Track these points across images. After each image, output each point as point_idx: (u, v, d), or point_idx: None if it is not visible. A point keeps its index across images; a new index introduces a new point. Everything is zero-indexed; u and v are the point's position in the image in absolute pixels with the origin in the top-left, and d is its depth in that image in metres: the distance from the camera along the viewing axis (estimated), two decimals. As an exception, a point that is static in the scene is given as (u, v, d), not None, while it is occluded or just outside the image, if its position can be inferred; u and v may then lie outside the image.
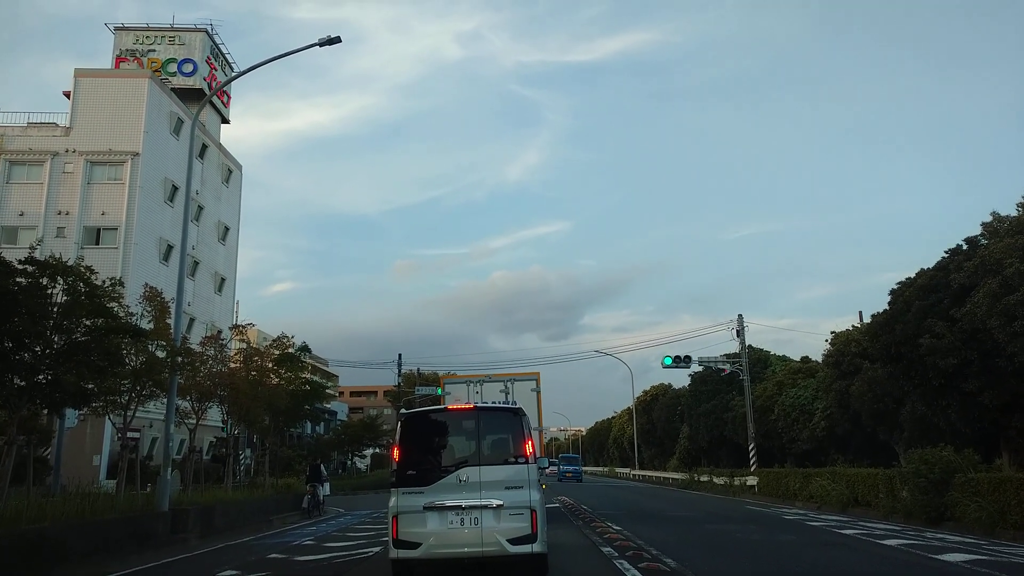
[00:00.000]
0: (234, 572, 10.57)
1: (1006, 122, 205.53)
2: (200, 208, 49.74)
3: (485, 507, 8.89)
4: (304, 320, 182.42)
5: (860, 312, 40.83)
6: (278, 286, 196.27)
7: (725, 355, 36.90)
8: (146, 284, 17.76)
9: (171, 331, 15.74)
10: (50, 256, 12.19)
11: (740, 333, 34.91)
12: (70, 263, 12.11)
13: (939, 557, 11.41)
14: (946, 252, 22.29)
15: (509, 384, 24.97)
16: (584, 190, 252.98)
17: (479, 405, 10.85)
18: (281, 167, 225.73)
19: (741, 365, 35.06)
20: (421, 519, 8.88)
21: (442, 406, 13.57)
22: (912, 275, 23.59)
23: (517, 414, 9.74)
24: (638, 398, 68.70)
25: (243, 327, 21.25)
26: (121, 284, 13.71)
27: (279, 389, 22.00)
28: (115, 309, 13.50)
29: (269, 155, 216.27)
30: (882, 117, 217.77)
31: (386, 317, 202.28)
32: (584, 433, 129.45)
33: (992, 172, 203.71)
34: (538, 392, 25.64)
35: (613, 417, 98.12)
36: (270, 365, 21.62)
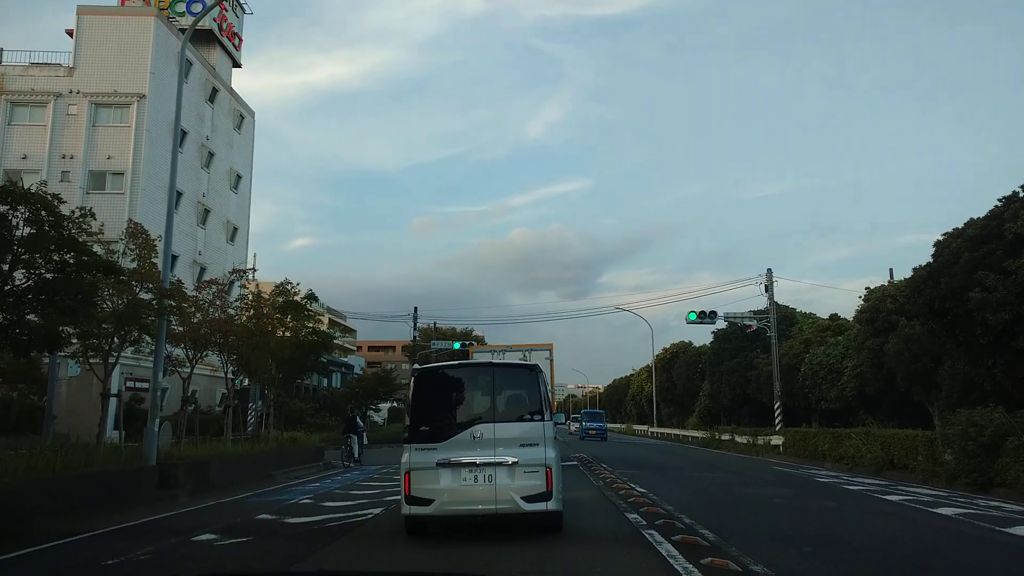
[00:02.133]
0: (212, 536, 9.48)
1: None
2: (211, 155, 48.44)
3: (499, 464, 8.71)
4: (323, 275, 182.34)
5: (891, 269, 39.04)
6: (298, 241, 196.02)
7: (752, 311, 35.37)
8: (130, 220, 16.53)
9: (158, 271, 14.57)
10: (7, 181, 10.93)
11: (768, 288, 33.36)
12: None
13: (1010, 531, 10.08)
14: (999, 200, 20.50)
15: (527, 353, 26.70)
16: (605, 148, 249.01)
17: (494, 361, 10.92)
18: (300, 122, 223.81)
19: (768, 321, 33.56)
20: (434, 476, 8.74)
21: (456, 362, 13.19)
22: (960, 226, 21.86)
23: (533, 371, 9.63)
24: (657, 356, 67.47)
25: (243, 271, 20.04)
26: (92, 216, 12.45)
27: (282, 339, 20.88)
28: (91, 245, 12.28)
29: (287, 110, 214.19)
30: (908, 74, 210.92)
31: (405, 274, 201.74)
32: (601, 391, 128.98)
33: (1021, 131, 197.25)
34: (551, 360, 27.15)
35: (631, 375, 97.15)
36: (273, 313, 20.42)
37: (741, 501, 13.30)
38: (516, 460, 8.74)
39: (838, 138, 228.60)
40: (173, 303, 14.56)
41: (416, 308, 42.96)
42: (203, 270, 44.80)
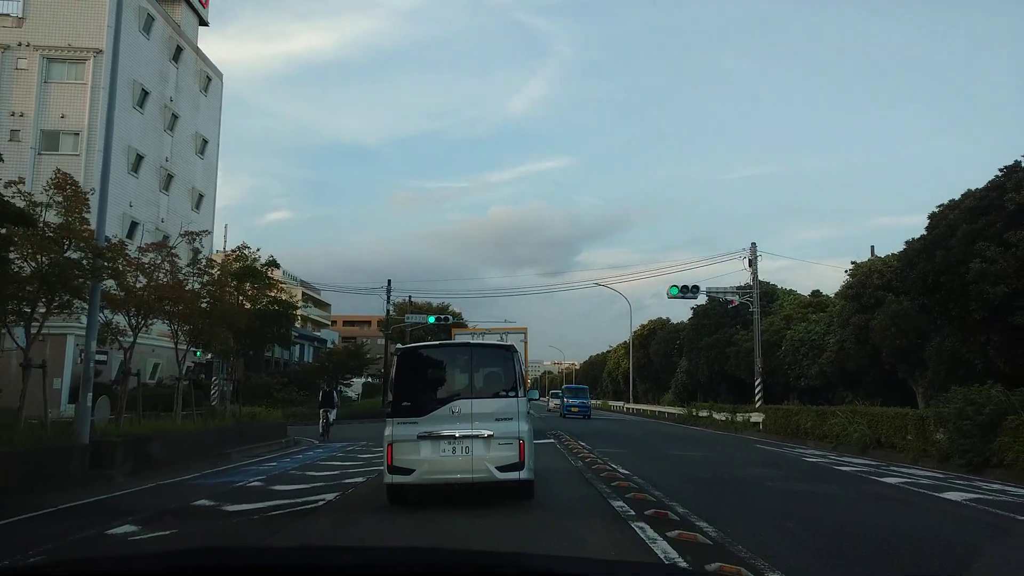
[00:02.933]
0: (132, 528, 8.20)
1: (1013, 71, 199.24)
2: (175, 117, 46.28)
3: (476, 437, 9.28)
4: (300, 249, 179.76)
5: (872, 247, 38.49)
6: (274, 214, 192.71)
7: (735, 287, 34.43)
8: (57, 169, 14.97)
9: (92, 228, 13.11)
10: None
11: (752, 263, 32.37)
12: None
13: (1026, 520, 9.13)
14: (1000, 170, 19.58)
15: (503, 336, 30.42)
16: (588, 126, 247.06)
17: (471, 342, 11.79)
18: (278, 92, 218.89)
19: (751, 297, 32.64)
20: (415, 447, 9.26)
21: (437, 341, 13.83)
22: (956, 197, 20.95)
23: (508, 350, 10.22)
24: (635, 332, 66.69)
25: (196, 233, 18.53)
26: None
27: (239, 307, 19.44)
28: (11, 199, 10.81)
29: (265, 80, 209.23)
30: (886, 62, 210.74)
31: (382, 248, 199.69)
32: (578, 367, 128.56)
33: (997, 120, 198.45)
34: (526, 342, 31.67)
35: (608, 351, 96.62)
36: (227, 279, 18.92)
37: (733, 485, 12.25)
38: (491, 433, 9.32)
39: (815, 122, 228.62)
40: (107, 264, 13.09)
41: (389, 281, 41.55)
42: (166, 238, 42.98)
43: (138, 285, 15.69)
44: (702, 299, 38.94)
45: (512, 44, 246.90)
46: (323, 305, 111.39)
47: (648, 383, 66.71)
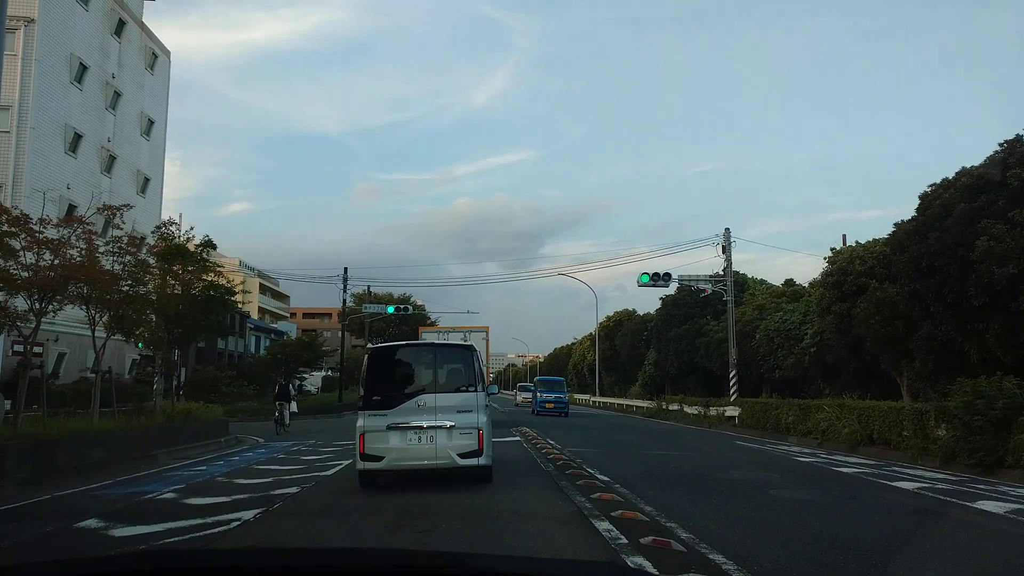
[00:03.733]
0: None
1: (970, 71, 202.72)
2: (117, 95, 43.42)
3: (439, 427, 10.22)
4: (260, 241, 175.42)
5: (844, 235, 37.39)
6: (234, 206, 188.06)
7: (709, 276, 32.96)
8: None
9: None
10: None
11: (726, 249, 30.94)
12: None
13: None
14: (1001, 144, 18.23)
15: (467, 334, 31.11)
16: (551, 119, 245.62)
17: (435, 342, 12.96)
18: (239, 81, 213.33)
19: (725, 285, 31.22)
20: (384, 437, 10.19)
21: (404, 342, 14.65)
22: (950, 176, 19.60)
23: (468, 350, 11.26)
24: (601, 324, 65.28)
25: (117, 208, 16.33)
26: None
27: (164, 292, 17.28)
28: None
29: (226, 69, 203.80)
30: (848, 60, 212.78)
31: (345, 241, 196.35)
32: (542, 360, 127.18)
33: (955, 121, 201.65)
34: (487, 340, 31.68)
35: (573, 343, 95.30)
36: (147, 261, 16.70)
37: (732, 495, 10.48)
38: (453, 424, 10.28)
39: (774, 118, 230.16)
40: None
41: (346, 269, 39.32)
42: (107, 224, 40.26)
43: (41, 263, 13.49)
44: (672, 289, 37.60)
45: (475, 37, 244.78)
46: (282, 297, 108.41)
47: (615, 375, 65.38)
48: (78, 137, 39.12)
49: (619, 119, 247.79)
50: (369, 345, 15.84)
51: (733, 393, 30.11)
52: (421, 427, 10.25)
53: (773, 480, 12.29)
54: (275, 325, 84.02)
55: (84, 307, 16.08)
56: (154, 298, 16.57)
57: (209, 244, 19.34)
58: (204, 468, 14.54)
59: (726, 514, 8.70)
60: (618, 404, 52.20)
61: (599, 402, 57.71)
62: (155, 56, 48.68)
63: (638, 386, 55.88)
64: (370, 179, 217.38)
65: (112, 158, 42.67)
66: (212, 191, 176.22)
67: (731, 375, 30.43)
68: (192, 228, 19.01)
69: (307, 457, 15.99)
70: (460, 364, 11.07)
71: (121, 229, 16.74)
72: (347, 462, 14.59)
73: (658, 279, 30.50)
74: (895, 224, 20.81)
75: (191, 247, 18.82)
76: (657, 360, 47.53)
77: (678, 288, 43.41)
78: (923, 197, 19.95)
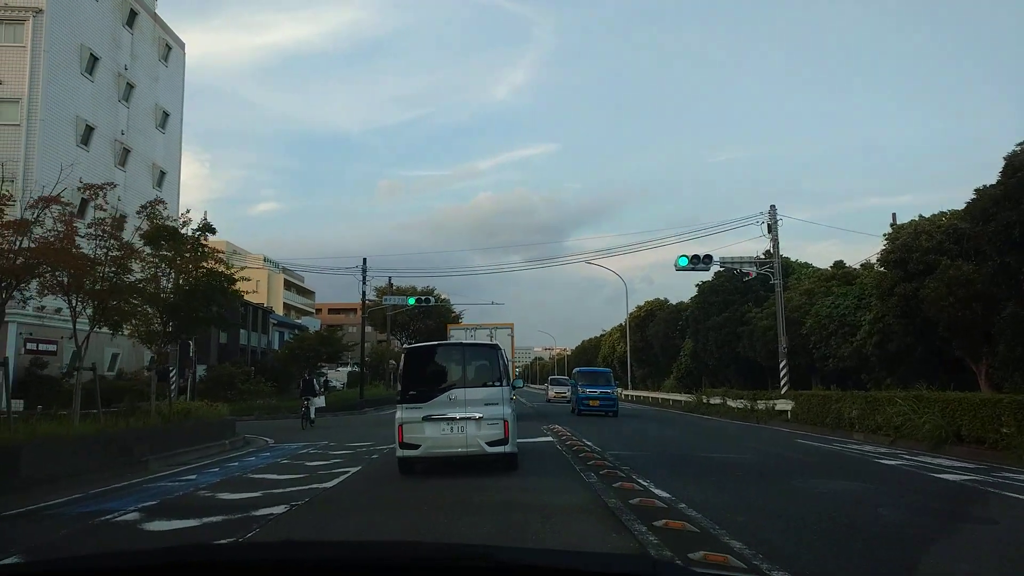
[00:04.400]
0: None
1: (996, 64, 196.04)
2: (130, 86, 42.09)
3: (469, 419, 11.43)
4: (286, 239, 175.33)
5: (894, 214, 34.65)
6: (262, 206, 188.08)
7: (752, 258, 30.53)
8: None
9: None
10: None
11: (772, 228, 28.51)
12: None
13: None
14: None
15: (493, 331, 32.24)
16: (572, 112, 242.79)
17: (464, 342, 15.08)
18: (261, 83, 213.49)
19: (771, 267, 28.81)
20: (420, 427, 11.41)
21: (437, 342, 15.42)
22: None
23: (494, 348, 12.68)
24: (631, 314, 62.82)
25: (98, 187, 14.53)
26: None
27: (152, 279, 15.45)
28: None
29: (251, 71, 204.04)
30: (872, 46, 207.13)
31: (368, 238, 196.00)
32: (570, 353, 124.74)
33: (979, 109, 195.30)
34: (512, 336, 32.42)
35: (602, 335, 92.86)
36: (128, 245, 14.79)
37: (833, 514, 8.30)
38: (481, 415, 11.41)
39: (797, 106, 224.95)
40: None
41: (365, 260, 37.51)
42: (124, 217, 38.87)
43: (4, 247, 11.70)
44: (709, 275, 35.26)
45: (494, 31, 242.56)
46: (307, 293, 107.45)
47: (647, 368, 62.99)
48: (90, 129, 37.82)
49: (640, 110, 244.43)
50: (405, 346, 16.55)
51: (784, 385, 27.73)
52: (453, 418, 11.38)
53: (868, 493, 10.06)
54: (299, 321, 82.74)
55: (65, 297, 14.32)
56: (143, 287, 14.71)
57: (208, 228, 17.50)
58: (194, 477, 12.69)
59: (843, 549, 6.54)
60: (652, 398, 49.84)
61: (632, 396, 55.28)
62: (169, 48, 47.31)
63: (673, 378, 53.47)
64: (391, 176, 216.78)
65: (126, 151, 41.36)
66: (240, 191, 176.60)
67: (781, 365, 28.06)
68: (188, 211, 17.12)
69: (312, 463, 14.09)
70: (487, 361, 12.22)
71: (104, 211, 14.93)
72: (355, 470, 12.66)
73: (698, 262, 28.13)
74: (976, 190, 18.36)
75: (188, 232, 16.98)
76: (694, 351, 45.17)
77: (715, 275, 41.06)
78: (1010, 158, 17.50)
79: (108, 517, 8.58)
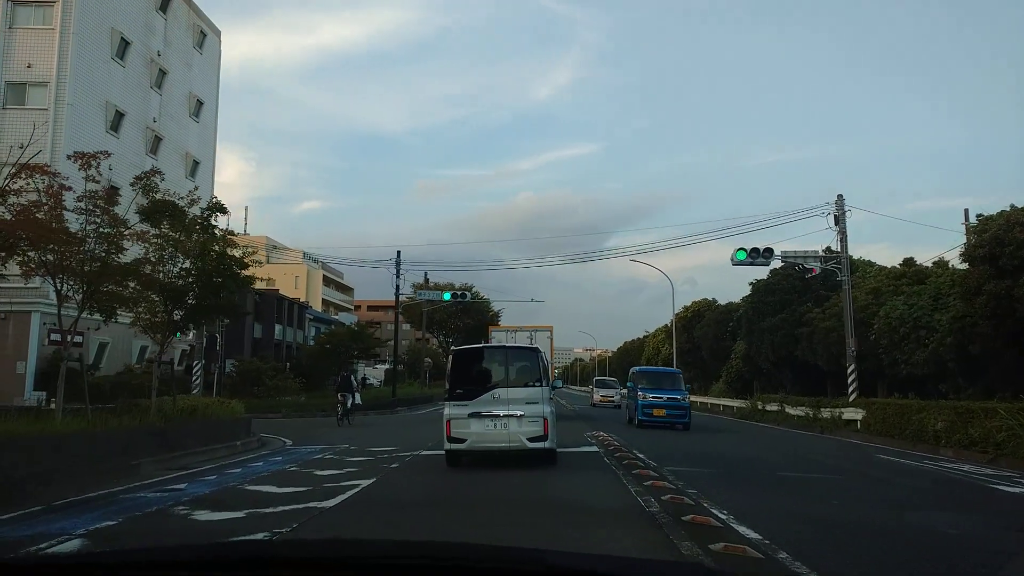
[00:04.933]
0: None
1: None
2: (162, 73, 40.98)
3: (511, 416, 12.24)
4: (329, 238, 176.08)
5: (966, 210, 31.74)
6: (306, 204, 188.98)
7: (816, 252, 27.95)
8: None
9: None
10: None
11: (839, 220, 25.94)
12: None
13: None
14: None
15: (533, 333, 32.39)
16: (614, 112, 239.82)
17: (506, 344, 16.99)
18: (309, 83, 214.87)
19: (838, 262, 26.25)
20: (466, 423, 12.24)
21: (482, 344, 16.31)
22: None
23: (535, 351, 13.60)
24: (677, 314, 60.13)
25: (90, 155, 12.86)
26: None
27: (146, 262, 13.68)
28: None
29: (297, 71, 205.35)
30: (915, 46, 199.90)
31: (407, 236, 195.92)
32: (611, 354, 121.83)
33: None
34: (551, 339, 32.83)
35: (645, 337, 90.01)
36: (117, 223, 13.00)
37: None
38: (523, 413, 12.28)
39: (841, 107, 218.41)
40: None
41: (399, 252, 35.76)
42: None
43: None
44: (765, 273, 32.71)
45: (537, 30, 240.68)
46: (346, 289, 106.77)
47: (693, 371, 60.21)
48: (120, 115, 36.73)
49: (684, 110, 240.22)
50: (453, 348, 18.07)
51: (852, 392, 25.16)
52: (497, 415, 12.19)
53: (1012, 537, 7.79)
54: (336, 316, 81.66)
55: (51, 279, 12.67)
56: (137, 269, 12.99)
57: (218, 208, 15.75)
58: (182, 487, 10.90)
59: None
60: (701, 403, 47.15)
61: (678, 400, 52.58)
62: (204, 35, 46.22)
63: (722, 383, 50.83)
64: (431, 175, 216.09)
65: (158, 139, 40.25)
66: (286, 190, 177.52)
67: (849, 371, 25.49)
68: (197, 187, 15.42)
69: (322, 471, 12.21)
70: (528, 363, 13.15)
71: (98, 183, 13.25)
72: (366, 483, 10.73)
73: (757, 256, 25.68)
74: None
75: (197, 211, 15.25)
76: (747, 353, 42.53)
77: (771, 273, 38.48)
78: None
79: (44, 545, 6.74)
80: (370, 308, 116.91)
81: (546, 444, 12.14)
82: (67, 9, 34.01)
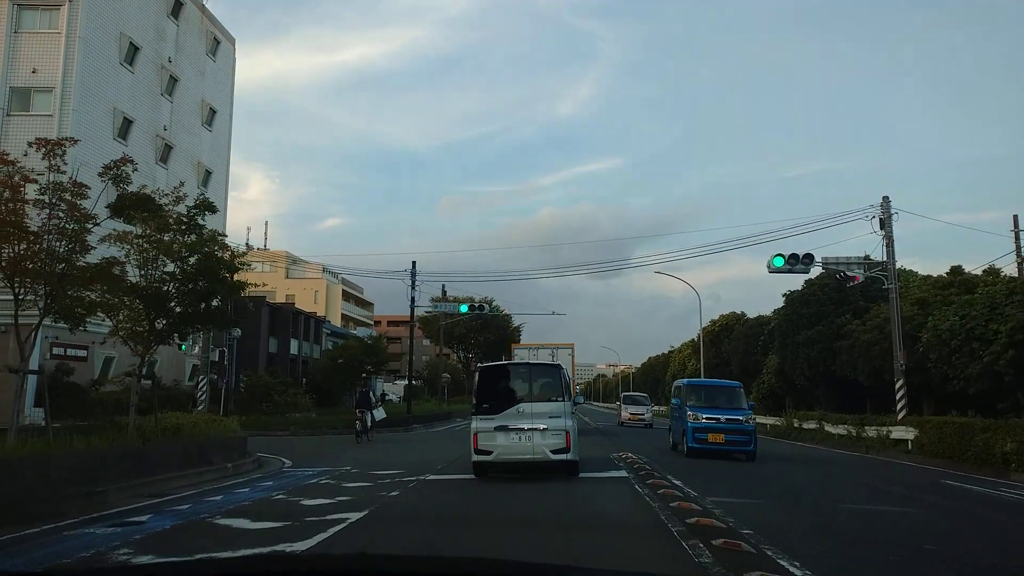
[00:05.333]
0: None
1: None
2: (173, 80, 39.95)
3: (535, 429, 12.83)
4: (352, 254, 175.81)
5: (1015, 216, 29.71)
6: (329, 221, 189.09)
7: (858, 259, 25.93)
8: None
9: None
10: None
11: (884, 224, 23.97)
12: None
13: None
14: None
15: (555, 351, 33.12)
16: (637, 127, 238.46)
17: (530, 362, 17.80)
18: (333, 101, 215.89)
19: (884, 269, 24.28)
20: (493, 436, 12.87)
21: (507, 361, 17.91)
22: None
23: (557, 368, 14.23)
24: (704, 328, 58.05)
25: (55, 142, 11.43)
26: None
27: (116, 264, 12.17)
28: None
29: (321, 89, 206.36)
30: (945, 60, 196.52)
31: (430, 252, 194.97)
32: (635, 370, 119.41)
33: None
34: (572, 356, 33.47)
35: (671, 352, 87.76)
36: (77, 212, 11.44)
37: None
38: (546, 427, 12.87)
39: (868, 120, 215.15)
40: None
41: (414, 263, 34.23)
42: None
43: None
44: (818, 270, 30.64)
45: (559, 46, 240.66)
46: (366, 304, 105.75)
47: (721, 387, 58.10)
48: (128, 122, 35.64)
49: (709, 124, 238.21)
50: (479, 364, 18.71)
51: (901, 409, 23.11)
52: (522, 429, 12.79)
53: None
54: (355, 331, 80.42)
55: (8, 281, 11.20)
56: (104, 270, 11.50)
57: (207, 206, 14.25)
58: (144, 520, 9.31)
59: None
60: (729, 420, 45.06)
61: (706, 417, 50.45)
62: (217, 42, 45.27)
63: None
64: (455, 192, 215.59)
65: (168, 147, 39.15)
66: (309, 207, 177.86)
67: (897, 386, 23.46)
68: (183, 184, 13.96)
69: (310, 501, 10.56)
70: (550, 379, 13.79)
71: (63, 173, 11.80)
72: (356, 517, 9.06)
73: (796, 262, 23.76)
74: None
75: (182, 209, 13.77)
76: (780, 368, 40.39)
77: (805, 283, 36.53)
78: None
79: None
80: (390, 323, 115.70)
81: (569, 456, 12.76)
82: (74, 13, 33.06)
